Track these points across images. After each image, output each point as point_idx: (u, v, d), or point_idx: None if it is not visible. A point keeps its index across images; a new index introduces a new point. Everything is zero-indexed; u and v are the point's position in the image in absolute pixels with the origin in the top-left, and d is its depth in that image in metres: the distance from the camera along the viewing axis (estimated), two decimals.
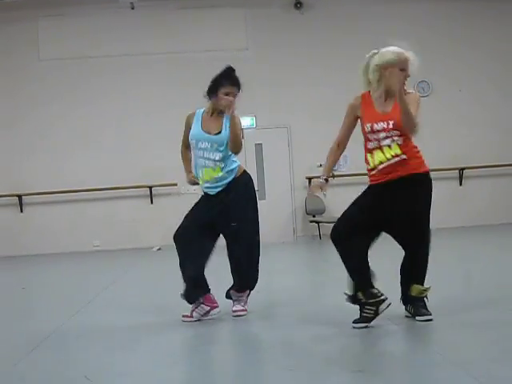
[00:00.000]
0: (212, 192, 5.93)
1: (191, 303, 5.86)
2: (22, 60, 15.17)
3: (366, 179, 5.40)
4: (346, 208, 5.56)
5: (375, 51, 5.39)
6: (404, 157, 5.15)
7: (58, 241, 14.81)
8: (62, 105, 15.04)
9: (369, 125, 5.30)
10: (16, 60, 15.09)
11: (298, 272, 10.19)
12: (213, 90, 6.05)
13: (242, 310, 5.99)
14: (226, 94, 5.99)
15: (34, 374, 4.47)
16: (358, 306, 5.23)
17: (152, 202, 14.68)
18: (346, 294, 5.29)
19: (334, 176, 5.32)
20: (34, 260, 13.65)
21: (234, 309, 5.99)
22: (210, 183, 5.91)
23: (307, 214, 15.25)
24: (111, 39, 15.39)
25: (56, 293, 8.71)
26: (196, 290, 5.84)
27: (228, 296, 6.11)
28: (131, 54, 15.10)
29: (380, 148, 5.26)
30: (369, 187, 5.47)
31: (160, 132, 14.63)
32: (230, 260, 6.03)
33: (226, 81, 6.06)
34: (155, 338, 5.38)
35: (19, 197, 14.85)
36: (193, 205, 6.09)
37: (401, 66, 5.23)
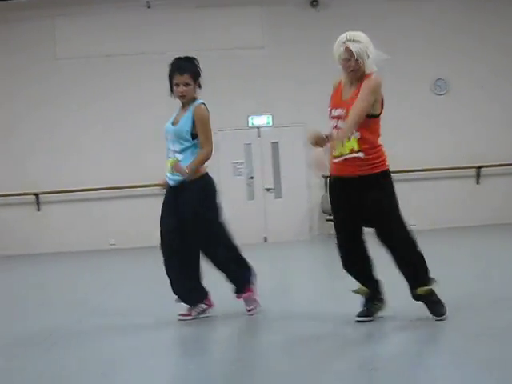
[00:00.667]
0: (171, 183, 5.93)
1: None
2: (38, 58, 15.21)
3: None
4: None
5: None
6: (361, 155, 5.05)
7: (74, 239, 14.86)
8: (80, 103, 15.08)
9: (329, 109, 5.28)
10: (33, 58, 15.13)
11: (312, 270, 10.16)
12: (170, 85, 5.98)
13: (249, 310, 6.04)
14: (177, 85, 5.90)
15: (52, 370, 4.50)
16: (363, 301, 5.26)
17: None
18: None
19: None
20: (51, 258, 13.70)
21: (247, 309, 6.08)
22: (170, 174, 5.91)
23: (323, 212, 15.22)
24: (127, 38, 15.42)
25: (72, 291, 8.75)
26: (191, 298, 5.93)
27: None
28: (147, 53, 15.12)
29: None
30: (331, 182, 5.44)
31: None
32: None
33: (173, 72, 5.93)
34: (170, 333, 5.40)
35: (36, 195, 14.90)
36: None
37: (343, 58, 5.23)
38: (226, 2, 15.41)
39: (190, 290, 5.91)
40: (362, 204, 5.12)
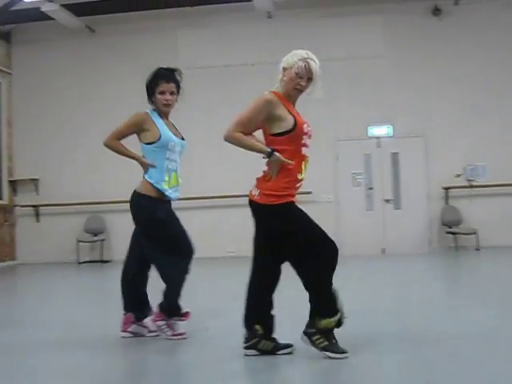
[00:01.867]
0: (175, 196, 5.86)
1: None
2: None
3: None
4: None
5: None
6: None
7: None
8: (202, 113, 15.39)
9: (305, 126, 4.91)
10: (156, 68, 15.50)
11: (430, 284, 9.94)
12: (149, 93, 5.87)
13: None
14: (162, 93, 5.80)
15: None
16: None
17: None
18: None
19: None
20: None
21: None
22: (175, 188, 5.86)
23: (443, 224, 14.94)
24: (248, 48, 15.64)
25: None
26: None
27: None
28: (268, 63, 15.16)
29: (306, 159, 4.93)
30: (295, 205, 4.96)
31: None
32: None
33: (157, 79, 5.83)
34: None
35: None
36: (165, 218, 5.76)
37: (298, 72, 4.86)
38: (347, 12, 15.40)
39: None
40: None
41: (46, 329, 6.50)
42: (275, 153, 4.68)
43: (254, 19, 15.55)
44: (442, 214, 14.95)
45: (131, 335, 5.78)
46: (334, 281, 4.70)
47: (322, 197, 15.19)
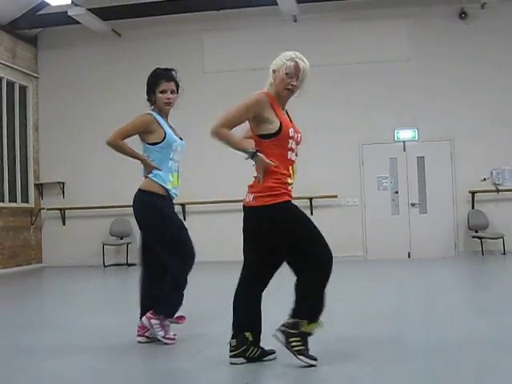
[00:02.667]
0: (176, 196, 5.88)
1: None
2: (187, 72, 15.59)
3: None
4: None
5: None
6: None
7: (215, 249, 14.66)
8: None
9: (292, 130, 4.83)
10: (181, 72, 15.50)
11: (456, 289, 9.87)
12: (149, 93, 5.86)
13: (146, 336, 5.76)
14: (163, 92, 5.81)
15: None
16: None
17: (312, 214, 14.67)
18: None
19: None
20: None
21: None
22: (176, 188, 5.87)
23: (469, 229, 14.83)
24: (274, 52, 15.44)
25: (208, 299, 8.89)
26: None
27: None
28: None
29: (294, 163, 4.91)
30: (292, 204, 4.90)
31: (322, 145, 14.73)
32: None
33: (157, 79, 5.83)
34: None
35: (183, 206, 15.23)
36: (170, 214, 5.83)
37: (287, 72, 4.84)
38: (373, 15, 15.34)
39: None
40: None
41: (69, 332, 6.53)
42: (258, 153, 4.66)
43: (279, 23, 15.53)
44: (468, 219, 14.84)
45: (147, 340, 5.73)
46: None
47: (348, 200, 15.15)
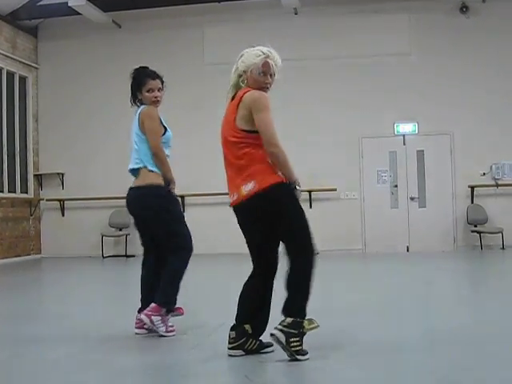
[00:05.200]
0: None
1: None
2: (187, 64, 15.66)
3: None
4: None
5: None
6: None
7: (213, 241, 14.65)
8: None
9: None
10: (182, 64, 15.54)
11: (456, 284, 9.89)
12: (135, 93, 5.91)
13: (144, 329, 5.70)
14: (151, 90, 5.82)
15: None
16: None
17: (311, 207, 14.68)
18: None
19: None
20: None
21: None
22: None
23: (469, 223, 14.84)
24: (274, 44, 15.49)
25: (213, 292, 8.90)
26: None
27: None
28: (294, 59, 15.17)
29: None
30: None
31: (321, 138, 14.74)
32: None
33: (143, 78, 5.87)
34: None
35: (181, 197, 15.18)
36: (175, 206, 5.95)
37: (263, 71, 4.97)
38: (374, 9, 15.31)
39: None
40: None
41: (68, 323, 6.54)
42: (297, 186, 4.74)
43: (280, 16, 15.48)
44: (468, 213, 14.84)
45: (146, 332, 5.68)
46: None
47: (347, 194, 15.15)
